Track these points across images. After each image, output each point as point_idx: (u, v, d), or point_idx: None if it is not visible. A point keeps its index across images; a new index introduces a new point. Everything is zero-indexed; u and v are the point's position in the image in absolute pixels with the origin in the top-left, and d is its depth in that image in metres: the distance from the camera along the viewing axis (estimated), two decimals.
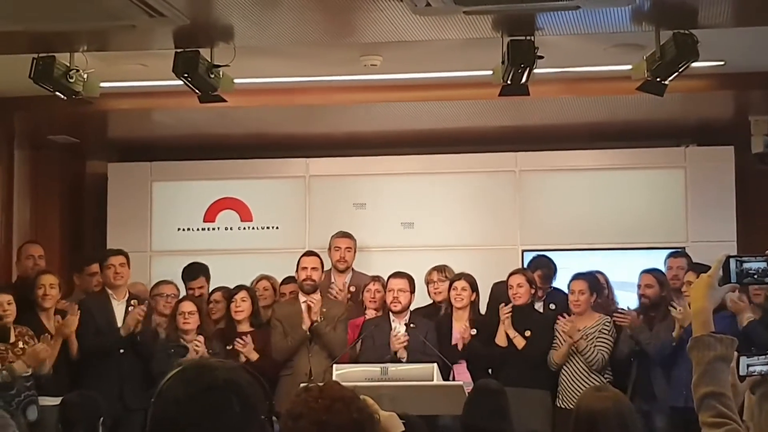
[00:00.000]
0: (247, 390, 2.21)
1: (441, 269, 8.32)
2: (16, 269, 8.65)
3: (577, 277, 7.90)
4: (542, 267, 8.40)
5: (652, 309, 7.75)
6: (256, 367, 6.84)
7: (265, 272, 8.83)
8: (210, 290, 8.55)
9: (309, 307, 7.80)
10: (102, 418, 5.90)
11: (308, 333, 7.76)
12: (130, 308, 7.63)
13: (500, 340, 7.72)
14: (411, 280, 7.86)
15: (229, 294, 8.07)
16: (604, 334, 7.69)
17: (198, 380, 2.19)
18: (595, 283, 7.90)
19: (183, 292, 8.45)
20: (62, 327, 7.46)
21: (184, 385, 2.19)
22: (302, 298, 7.93)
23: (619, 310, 7.84)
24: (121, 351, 7.63)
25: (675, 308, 7.38)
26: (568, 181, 9.87)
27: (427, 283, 8.33)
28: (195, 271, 8.69)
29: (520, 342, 7.67)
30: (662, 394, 7.50)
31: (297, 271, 8.06)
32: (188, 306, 7.80)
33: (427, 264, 8.49)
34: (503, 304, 7.74)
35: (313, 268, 7.97)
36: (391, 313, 7.78)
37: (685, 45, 6.29)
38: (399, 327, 7.68)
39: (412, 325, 7.68)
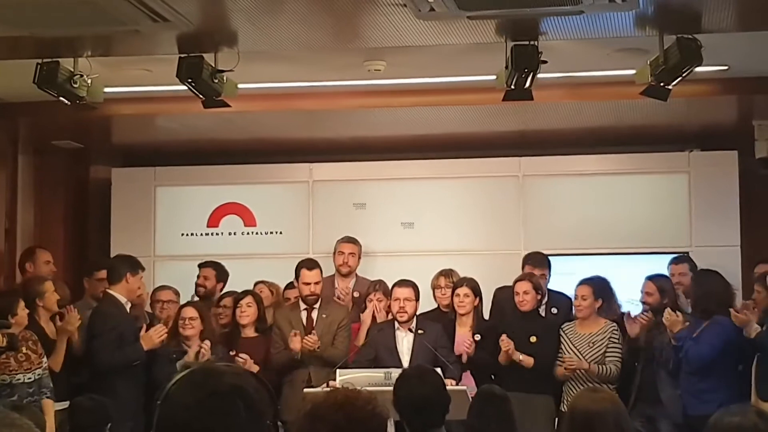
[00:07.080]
0: (254, 395, 2.21)
1: (448, 274, 8.24)
2: (20, 274, 8.60)
3: (582, 282, 7.88)
4: (539, 264, 8.39)
5: (655, 315, 7.72)
6: (259, 372, 6.81)
7: (267, 277, 8.86)
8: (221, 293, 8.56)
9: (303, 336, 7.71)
10: (109, 425, 5.91)
11: (297, 355, 7.68)
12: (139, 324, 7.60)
13: (503, 359, 7.65)
14: (416, 289, 7.80)
15: (235, 299, 8.07)
16: (614, 342, 7.66)
17: (205, 385, 2.20)
18: (600, 288, 7.85)
19: (183, 296, 8.44)
20: (65, 325, 7.38)
21: (191, 390, 2.19)
22: (302, 306, 7.93)
23: (641, 315, 7.73)
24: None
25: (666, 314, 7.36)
26: (571, 186, 9.86)
27: (434, 288, 8.25)
28: (206, 262, 8.79)
29: (528, 361, 7.58)
30: (669, 400, 7.48)
31: (297, 282, 8.00)
32: (190, 312, 7.69)
33: (430, 268, 8.46)
34: (504, 337, 7.60)
35: (316, 283, 7.91)
36: (396, 322, 7.75)
37: (688, 50, 6.27)
38: (405, 336, 7.65)
39: (420, 332, 7.65)
